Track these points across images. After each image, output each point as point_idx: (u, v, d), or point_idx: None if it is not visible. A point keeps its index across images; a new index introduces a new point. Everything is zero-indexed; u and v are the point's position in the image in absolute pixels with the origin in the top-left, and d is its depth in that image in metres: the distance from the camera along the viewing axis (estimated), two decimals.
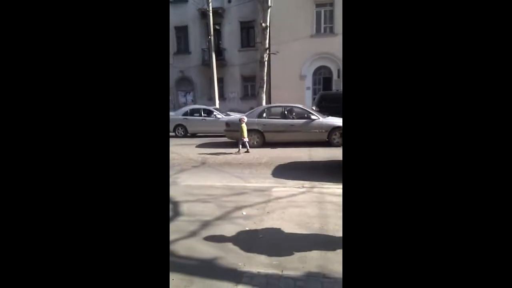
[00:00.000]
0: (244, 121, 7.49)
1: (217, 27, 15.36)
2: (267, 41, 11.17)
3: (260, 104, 11.34)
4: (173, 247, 2.63)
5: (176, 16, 16.41)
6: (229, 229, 2.97)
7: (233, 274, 2.20)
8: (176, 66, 16.95)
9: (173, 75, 17.08)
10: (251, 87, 16.47)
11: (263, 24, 10.73)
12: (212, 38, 13.02)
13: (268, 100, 14.06)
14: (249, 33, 16.28)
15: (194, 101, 16.75)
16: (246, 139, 7.36)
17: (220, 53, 15.88)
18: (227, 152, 7.51)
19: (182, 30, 16.74)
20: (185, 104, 16.06)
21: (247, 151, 7.30)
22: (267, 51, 11.46)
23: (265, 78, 11.55)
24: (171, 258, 2.45)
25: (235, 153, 7.28)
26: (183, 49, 16.97)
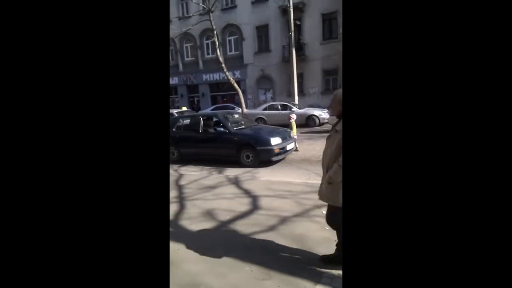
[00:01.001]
0: (293, 118, 7.39)
1: (297, 22, 15.22)
2: None
3: None
4: (252, 240, 2.72)
5: (257, 16, 16.89)
6: (308, 226, 2.91)
7: (312, 273, 2.14)
8: (257, 65, 17.48)
9: (254, 74, 17.69)
10: (332, 80, 15.81)
11: None
12: (292, 34, 12.97)
13: None
14: (332, 25, 15.60)
15: (273, 98, 17.02)
16: (294, 136, 7.02)
17: (300, 48, 15.70)
18: None
19: (263, 29, 17.13)
20: (265, 101, 16.45)
21: (296, 149, 7.00)
22: None
23: None
24: (250, 250, 2.54)
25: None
26: (264, 48, 17.37)
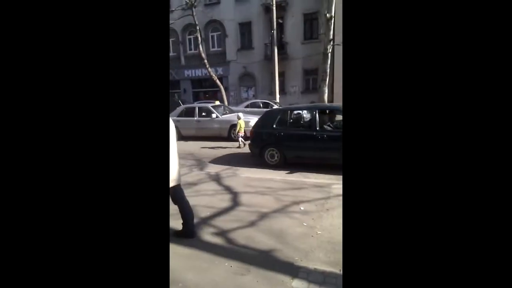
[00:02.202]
0: (240, 118, 7.84)
1: (280, 21, 15.30)
2: (332, 32, 10.70)
3: (321, 97, 10.99)
4: (232, 236, 2.75)
5: (240, 12, 16.82)
6: (286, 222, 2.98)
7: (289, 268, 2.20)
8: (240, 62, 17.44)
9: (237, 71, 17.64)
10: (312, 80, 16.06)
11: (327, 15, 10.30)
12: (275, 32, 13.04)
13: (331, 93, 13.53)
14: (313, 25, 15.81)
15: (255, 96, 17.06)
16: (241, 134, 7.66)
17: (282, 47, 15.81)
18: (229, 146, 7.89)
19: (246, 26, 17.09)
20: (247, 99, 16.45)
21: (239, 146, 7.66)
22: (331, 43, 10.99)
23: (328, 70, 11.13)
24: (230, 246, 2.57)
25: (237, 147, 7.63)
26: (247, 45, 17.34)
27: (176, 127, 8.98)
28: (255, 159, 5.73)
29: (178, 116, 9.26)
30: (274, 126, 5.35)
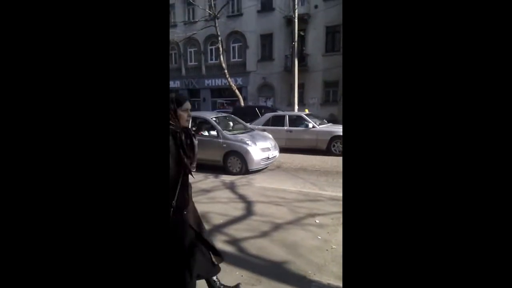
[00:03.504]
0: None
1: (301, 33, 15.41)
2: None
3: (341, 110, 10.84)
4: (244, 245, 2.71)
5: (262, 24, 17.12)
6: (300, 235, 2.91)
7: (301, 281, 2.13)
8: (259, 73, 17.63)
9: (256, 81, 17.83)
10: (332, 92, 15.95)
11: None
12: (296, 44, 13.13)
13: None
14: (335, 38, 15.83)
15: (273, 107, 17.12)
16: None
17: (303, 59, 15.86)
18: None
19: (267, 38, 17.34)
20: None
21: None
22: None
23: None
24: (241, 255, 2.53)
25: None
26: (267, 56, 17.55)
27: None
28: None
29: (263, 125, 8.43)
30: None
